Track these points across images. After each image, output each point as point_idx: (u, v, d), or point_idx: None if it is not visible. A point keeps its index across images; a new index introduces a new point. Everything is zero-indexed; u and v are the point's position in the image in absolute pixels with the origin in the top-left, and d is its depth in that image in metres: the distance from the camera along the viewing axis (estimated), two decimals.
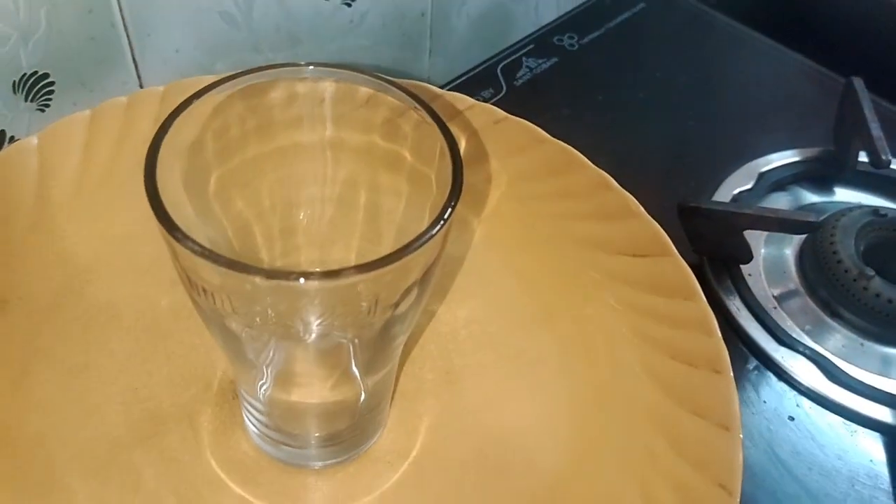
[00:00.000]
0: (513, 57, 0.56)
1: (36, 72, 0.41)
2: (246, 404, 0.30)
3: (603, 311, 0.36)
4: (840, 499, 0.36)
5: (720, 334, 0.34)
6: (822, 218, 0.44)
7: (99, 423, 0.32)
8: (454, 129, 0.26)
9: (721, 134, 0.53)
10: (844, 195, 0.50)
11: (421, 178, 0.27)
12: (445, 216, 0.23)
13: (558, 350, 0.36)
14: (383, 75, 0.27)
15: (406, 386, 0.34)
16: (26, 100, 0.41)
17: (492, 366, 0.35)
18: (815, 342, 0.42)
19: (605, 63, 0.58)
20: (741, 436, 0.31)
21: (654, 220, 0.37)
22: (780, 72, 0.59)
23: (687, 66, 0.58)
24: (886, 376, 0.41)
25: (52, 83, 0.42)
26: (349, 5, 0.49)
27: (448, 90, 0.42)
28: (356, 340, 0.26)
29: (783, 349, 0.41)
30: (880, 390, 0.40)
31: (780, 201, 0.49)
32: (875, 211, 0.45)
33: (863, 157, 0.49)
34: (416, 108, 0.26)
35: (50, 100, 0.42)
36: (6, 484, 0.29)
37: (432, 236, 0.23)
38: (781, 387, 0.40)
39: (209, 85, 0.25)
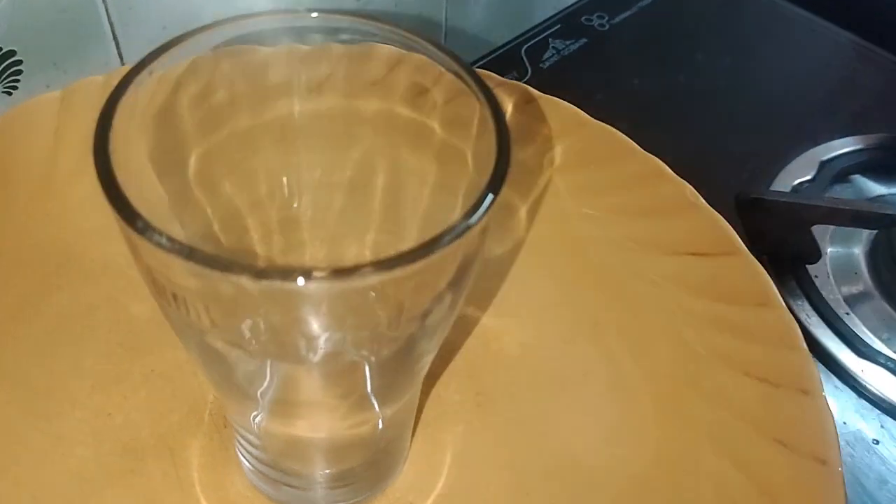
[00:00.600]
0: (538, 38, 0.51)
1: (0, 48, 0.36)
2: (238, 437, 0.25)
3: (659, 320, 0.31)
4: None
5: (806, 347, 0.28)
6: None
7: (65, 457, 0.27)
8: None
9: (773, 120, 0.48)
10: None
11: (454, 155, 0.22)
12: (488, 200, 0.18)
13: (607, 366, 0.30)
14: (409, 28, 0.21)
15: (429, 410, 0.29)
16: None
17: (529, 385, 0.30)
18: None
19: (638, 44, 0.53)
20: (841, 469, 0.26)
21: (717, 213, 0.32)
22: (831, 53, 0.54)
23: (729, 46, 0.53)
24: None
25: (19, 62, 0.37)
26: None
27: None
28: (373, 360, 0.20)
29: (863, 362, 0.36)
30: None
31: (843, 193, 0.44)
32: None
33: None
34: (448, 68, 0.21)
35: (17, 81, 0.37)
36: None
37: (471, 226, 0.17)
38: (863, 405, 0.35)
39: (185, 34, 0.19)
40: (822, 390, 0.28)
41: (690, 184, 0.34)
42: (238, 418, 0.24)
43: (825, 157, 0.44)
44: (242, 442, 0.25)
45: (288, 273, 0.15)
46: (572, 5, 0.55)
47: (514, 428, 0.29)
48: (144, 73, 0.18)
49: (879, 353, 0.36)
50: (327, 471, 0.25)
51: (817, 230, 0.40)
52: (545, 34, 0.52)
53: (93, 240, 0.32)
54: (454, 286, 0.19)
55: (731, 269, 0.31)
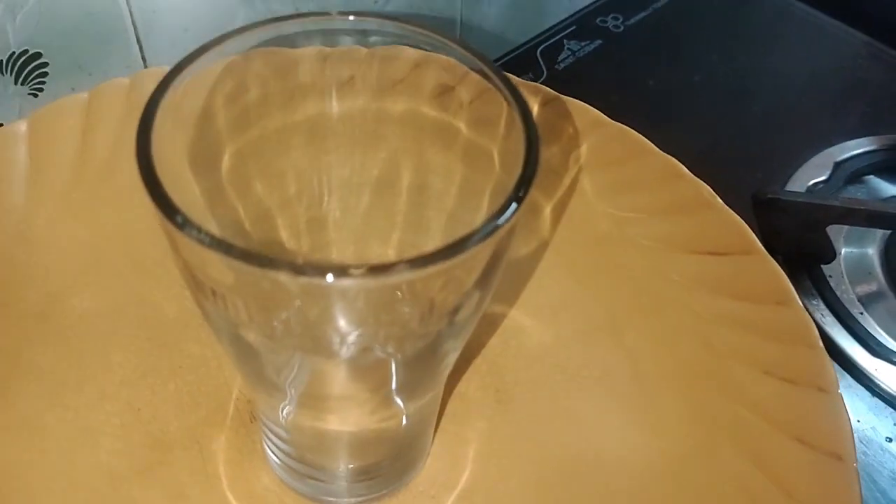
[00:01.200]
0: (553, 39, 0.52)
1: (26, 51, 0.36)
2: (266, 430, 0.25)
3: (678, 318, 0.31)
4: None
5: (822, 345, 0.29)
6: None
7: (94, 450, 0.27)
8: None
9: (788, 121, 0.48)
10: None
11: (480, 155, 0.22)
12: (518, 200, 0.18)
13: (627, 364, 0.31)
14: (435, 29, 0.22)
15: (451, 406, 0.29)
16: (16, 83, 0.37)
17: (549, 382, 0.30)
18: None
19: (653, 45, 0.53)
20: (856, 465, 0.26)
21: (734, 213, 0.32)
22: (845, 53, 0.54)
23: (743, 47, 0.53)
24: None
25: (45, 64, 0.37)
26: None
27: None
28: (400, 357, 0.21)
29: (877, 360, 0.36)
30: None
31: (857, 193, 0.44)
32: None
33: None
34: (475, 68, 0.21)
35: (43, 83, 0.38)
36: None
37: (501, 225, 0.18)
38: (876, 403, 0.35)
39: (220, 37, 0.20)
40: (838, 388, 0.28)
41: (706, 183, 0.34)
42: (267, 411, 0.24)
43: (839, 158, 0.44)
44: (270, 435, 0.25)
45: (326, 269, 0.16)
46: (587, 7, 0.55)
47: (536, 424, 0.29)
48: (182, 75, 0.19)
49: (893, 352, 0.36)
50: (352, 465, 0.26)
51: (831, 230, 0.40)
52: (560, 36, 0.52)
53: (120, 239, 0.32)
54: (482, 284, 0.20)
55: (749, 268, 0.31)
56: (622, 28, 0.53)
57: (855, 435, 0.34)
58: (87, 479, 0.26)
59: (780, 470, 0.27)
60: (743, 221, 0.32)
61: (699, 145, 0.45)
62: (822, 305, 0.38)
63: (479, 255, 0.18)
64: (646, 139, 0.35)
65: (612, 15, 0.54)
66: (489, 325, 0.31)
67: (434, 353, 0.21)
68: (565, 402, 0.30)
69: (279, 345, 0.19)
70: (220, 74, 0.21)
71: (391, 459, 0.26)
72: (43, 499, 0.26)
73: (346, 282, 0.16)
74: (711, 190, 0.33)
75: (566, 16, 0.54)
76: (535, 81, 0.48)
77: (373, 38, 0.22)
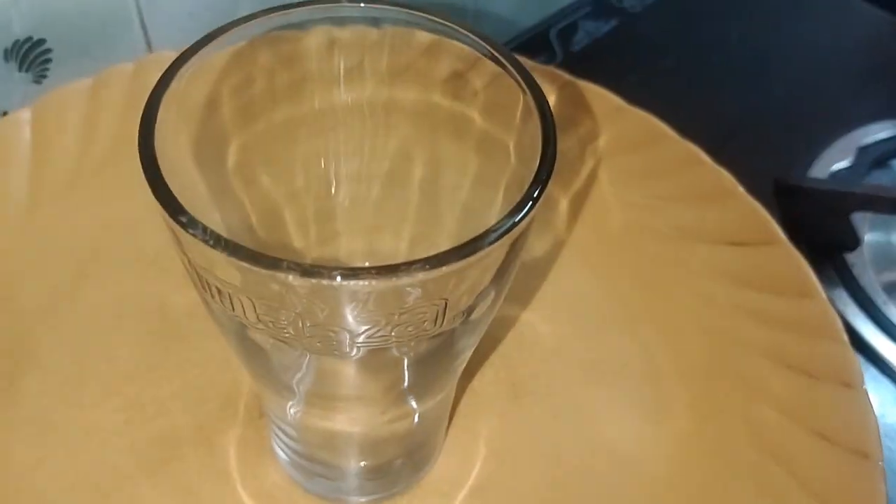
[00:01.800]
0: (568, 20, 0.50)
1: (30, 37, 0.35)
2: (275, 427, 0.25)
3: (697, 311, 0.30)
4: None
5: (847, 339, 0.28)
6: None
7: (99, 447, 0.27)
8: None
9: (811, 103, 0.47)
10: None
11: (495, 146, 0.21)
12: (535, 196, 0.17)
13: (644, 358, 0.30)
14: (446, 15, 0.21)
15: (464, 402, 0.29)
16: (20, 69, 0.36)
17: (564, 377, 0.30)
18: None
19: (671, 26, 0.52)
20: (882, 464, 0.26)
21: (755, 201, 0.31)
22: (867, 33, 0.52)
23: (765, 27, 0.52)
24: None
25: (48, 51, 0.36)
26: None
27: None
28: (412, 356, 0.20)
29: None
30: None
31: (881, 179, 0.43)
32: None
33: None
34: (490, 56, 0.20)
35: (47, 69, 0.37)
36: None
37: (518, 222, 0.17)
38: None
39: (226, 25, 0.19)
40: (864, 383, 0.27)
41: (725, 167, 0.33)
42: (276, 410, 0.23)
43: (863, 142, 0.43)
44: (279, 433, 0.25)
45: (336, 272, 0.15)
46: None
47: (549, 420, 0.28)
48: (187, 65, 0.18)
49: None
50: (363, 464, 0.25)
51: (855, 217, 0.39)
52: (576, 16, 0.51)
53: (124, 229, 0.32)
54: (498, 282, 0.19)
55: (771, 259, 0.30)
56: (639, 8, 0.52)
57: (880, 429, 0.33)
58: (93, 478, 0.26)
59: (802, 468, 0.26)
60: (765, 210, 0.31)
61: (719, 128, 0.44)
62: (846, 295, 0.37)
63: (494, 253, 0.17)
64: (664, 124, 0.34)
65: None
66: (503, 319, 0.30)
67: (447, 351, 0.21)
68: (580, 397, 0.29)
69: (288, 345, 0.19)
70: (226, 63, 0.20)
71: (403, 458, 0.25)
72: (48, 498, 0.25)
73: (356, 283, 0.16)
74: (732, 178, 0.32)
75: None
76: (550, 64, 0.47)
77: (382, 25, 0.21)
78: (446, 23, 0.21)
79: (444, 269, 0.16)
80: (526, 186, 0.18)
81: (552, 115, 0.19)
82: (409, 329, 0.18)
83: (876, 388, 0.35)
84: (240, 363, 0.22)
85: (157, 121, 0.17)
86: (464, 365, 0.23)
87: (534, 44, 0.49)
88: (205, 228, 0.16)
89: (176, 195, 0.16)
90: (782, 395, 0.28)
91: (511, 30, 0.50)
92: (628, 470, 0.27)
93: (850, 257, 0.38)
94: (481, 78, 0.21)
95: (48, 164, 0.33)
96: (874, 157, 0.43)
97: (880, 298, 0.37)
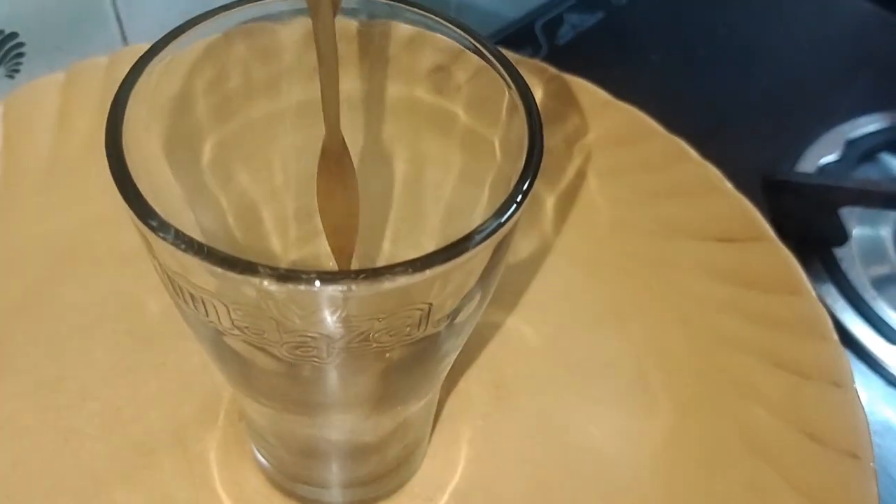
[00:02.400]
0: (553, 13, 0.50)
1: (2, 31, 0.34)
2: (255, 434, 0.24)
3: (685, 308, 0.30)
4: None
5: (837, 337, 0.28)
6: None
7: (75, 451, 0.26)
8: None
9: (798, 97, 0.46)
10: None
11: (479, 142, 0.20)
12: (523, 191, 0.17)
13: (631, 356, 0.30)
14: (428, 7, 0.20)
15: (449, 403, 0.28)
16: None
17: (550, 376, 0.29)
18: None
19: (657, 19, 0.51)
20: (873, 465, 0.25)
21: (743, 197, 0.31)
22: (855, 25, 0.52)
23: (752, 20, 0.52)
24: None
25: (21, 44, 0.36)
26: None
27: None
28: (394, 361, 0.19)
29: (892, 347, 0.35)
30: None
31: (870, 172, 0.42)
32: None
33: None
34: (473, 48, 0.20)
35: (20, 64, 0.36)
36: None
37: (505, 221, 0.16)
38: (890, 393, 0.34)
39: (199, 16, 0.18)
40: (854, 382, 0.27)
41: (712, 162, 0.32)
42: (255, 417, 0.23)
43: (851, 135, 0.43)
44: (259, 438, 0.24)
45: (314, 276, 0.15)
46: None
47: (535, 420, 0.28)
48: (157, 59, 0.17)
49: None
50: (345, 468, 0.24)
51: (843, 211, 0.39)
52: (561, 9, 0.50)
53: (99, 227, 0.31)
54: (483, 283, 0.18)
55: (760, 256, 0.30)
56: (625, 1, 0.51)
57: (869, 426, 0.33)
58: (69, 483, 0.25)
59: (791, 467, 0.26)
60: (753, 207, 0.31)
61: (705, 122, 0.44)
62: (834, 290, 0.37)
63: (480, 254, 0.17)
64: (651, 119, 0.33)
65: None
66: (489, 318, 0.30)
67: (431, 355, 0.20)
68: (566, 397, 0.29)
69: (265, 352, 0.18)
70: (199, 57, 0.19)
71: (386, 463, 0.24)
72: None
73: (335, 289, 0.15)
74: (720, 173, 0.32)
75: None
76: (535, 57, 0.46)
77: (362, 16, 0.21)
78: (428, 14, 0.20)
79: (428, 272, 0.15)
80: (512, 184, 0.17)
81: (538, 112, 0.18)
82: (392, 334, 0.18)
83: (865, 383, 0.34)
84: (217, 370, 0.21)
85: (126, 118, 0.16)
86: (448, 368, 0.22)
87: (519, 36, 0.48)
88: (176, 232, 0.15)
89: (146, 197, 0.15)
90: (771, 394, 0.27)
91: (495, 22, 0.49)
92: (614, 470, 0.27)
93: (839, 252, 0.38)
94: (465, 72, 0.20)
95: (21, 160, 0.32)
96: (862, 151, 0.43)
97: (869, 293, 0.37)
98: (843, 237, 0.37)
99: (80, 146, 0.33)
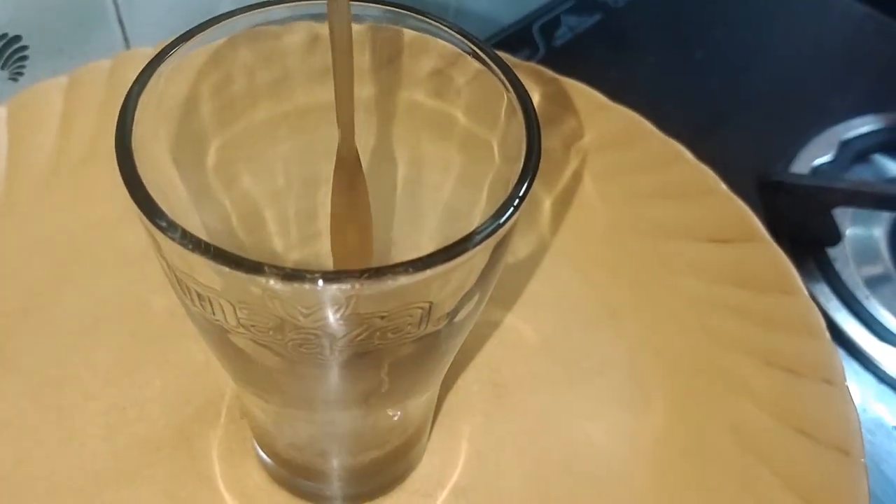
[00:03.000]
0: (551, 15, 0.50)
1: (6, 34, 0.35)
2: (257, 430, 0.24)
3: (680, 308, 0.30)
4: None
5: (829, 336, 0.28)
6: None
7: (79, 450, 0.26)
8: None
9: (792, 98, 0.47)
10: None
11: (478, 145, 0.21)
12: (522, 193, 0.17)
13: (626, 355, 0.30)
14: (429, 13, 0.20)
15: (448, 401, 0.28)
16: None
17: (547, 375, 0.30)
18: None
19: (654, 21, 0.52)
20: (864, 461, 0.26)
21: (738, 199, 0.31)
22: (849, 28, 0.53)
23: (748, 22, 0.52)
24: None
25: (24, 48, 0.36)
26: None
27: None
28: (394, 359, 0.20)
29: (884, 346, 0.35)
30: None
31: (863, 173, 0.43)
32: None
33: None
34: (472, 52, 0.20)
35: (23, 67, 0.36)
36: None
37: (504, 222, 0.17)
38: (883, 390, 0.35)
39: (205, 22, 0.19)
40: (846, 380, 0.27)
41: (707, 164, 0.33)
42: (257, 413, 0.23)
43: (845, 137, 0.43)
44: (261, 436, 0.24)
45: (318, 276, 0.15)
46: None
47: (533, 418, 0.28)
48: (164, 64, 0.18)
49: None
50: (346, 465, 0.25)
51: (836, 212, 0.39)
52: (558, 11, 0.51)
53: (102, 229, 0.31)
54: (482, 283, 0.19)
55: (754, 256, 0.30)
56: (622, 3, 0.52)
57: (861, 423, 0.34)
58: (73, 482, 0.25)
59: (784, 465, 0.26)
60: (747, 208, 0.31)
61: (701, 123, 0.44)
62: (828, 290, 0.37)
63: (479, 255, 0.17)
64: (647, 122, 0.34)
65: None
66: (487, 317, 0.30)
67: (431, 354, 0.20)
68: (563, 396, 0.29)
69: (269, 349, 0.18)
70: (206, 61, 0.20)
71: (385, 459, 0.25)
72: (27, 503, 0.25)
73: (338, 288, 0.15)
74: (715, 175, 0.32)
75: None
76: (532, 59, 0.47)
77: (363, 22, 0.21)
78: (428, 19, 0.20)
79: (429, 272, 0.16)
80: (510, 186, 0.17)
81: (536, 114, 0.19)
82: (393, 332, 0.18)
83: (858, 382, 0.35)
84: (221, 367, 0.22)
85: (135, 121, 0.17)
86: (448, 365, 0.22)
87: (516, 39, 0.49)
88: (184, 232, 0.15)
89: (154, 197, 0.16)
90: (764, 393, 0.28)
91: (493, 25, 0.50)
92: (611, 468, 0.27)
93: (832, 252, 0.39)
94: (464, 75, 0.21)
95: (24, 162, 0.32)
96: (856, 152, 0.43)
97: (862, 293, 0.37)
98: (836, 237, 0.38)
99: (82, 149, 0.33)
